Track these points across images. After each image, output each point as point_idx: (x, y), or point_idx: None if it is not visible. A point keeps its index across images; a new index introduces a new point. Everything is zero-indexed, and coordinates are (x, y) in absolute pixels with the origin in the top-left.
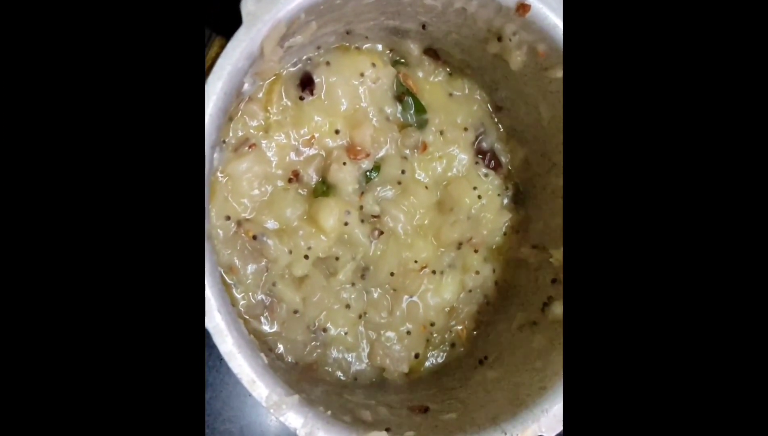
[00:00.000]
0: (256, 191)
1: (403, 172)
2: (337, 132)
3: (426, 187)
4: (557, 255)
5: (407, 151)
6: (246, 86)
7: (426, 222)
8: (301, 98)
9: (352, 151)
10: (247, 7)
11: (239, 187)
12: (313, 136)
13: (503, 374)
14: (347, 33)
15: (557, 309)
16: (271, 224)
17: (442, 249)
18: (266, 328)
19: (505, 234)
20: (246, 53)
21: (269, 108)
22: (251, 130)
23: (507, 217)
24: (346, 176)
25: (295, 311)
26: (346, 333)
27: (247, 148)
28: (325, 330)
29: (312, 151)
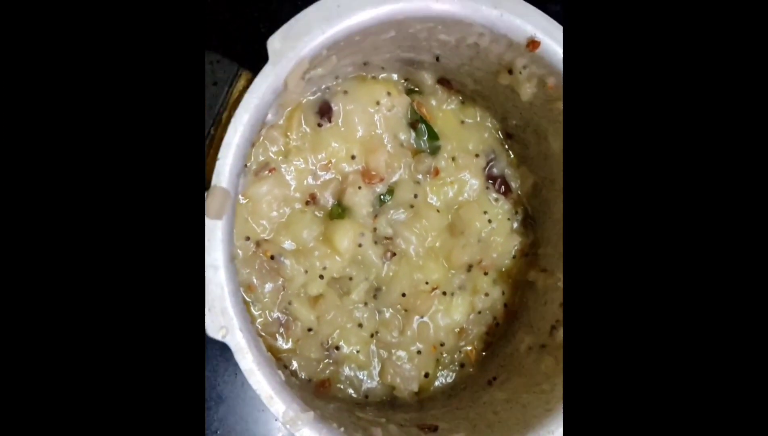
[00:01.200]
0: (275, 213)
1: (415, 196)
2: (353, 157)
3: (438, 211)
4: None
5: (420, 176)
6: (270, 116)
7: (437, 244)
8: (320, 125)
9: (367, 175)
10: (273, 45)
11: (259, 209)
12: (330, 161)
13: (511, 395)
14: (364, 64)
15: None
16: (288, 245)
17: (453, 271)
18: (281, 345)
19: (514, 257)
20: (272, 88)
21: (289, 134)
22: (271, 155)
23: (516, 241)
24: (360, 200)
25: (310, 329)
26: (358, 351)
27: (267, 172)
28: (338, 348)
29: (329, 176)
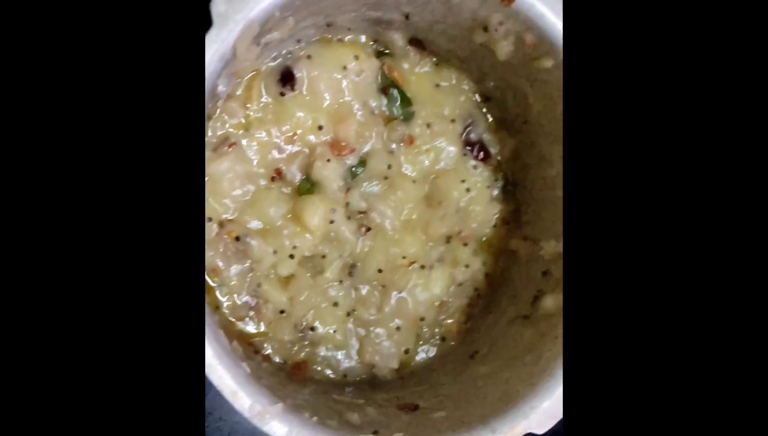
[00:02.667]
0: (238, 191)
1: (389, 166)
2: (320, 128)
3: (413, 181)
4: (548, 247)
5: (393, 145)
6: (221, 87)
7: (414, 217)
8: (282, 94)
9: (336, 147)
10: (217, 8)
11: (220, 187)
12: (295, 133)
13: (494, 369)
14: (328, 25)
15: (548, 303)
16: (254, 224)
17: (431, 243)
18: (252, 329)
19: (495, 226)
20: (218, 55)
21: (249, 105)
22: (231, 129)
23: (497, 209)
24: (330, 173)
25: (282, 311)
26: (334, 331)
27: (227, 147)
28: (313, 329)
29: (295, 149)
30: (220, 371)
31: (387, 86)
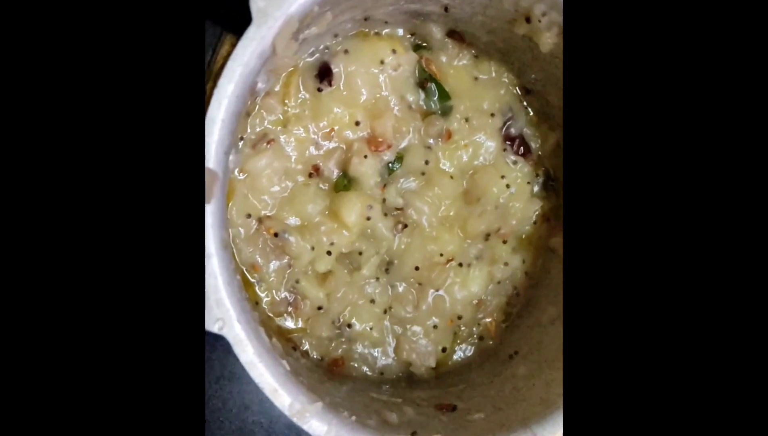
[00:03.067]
0: (276, 188)
1: (426, 162)
2: (357, 123)
3: (451, 177)
4: None
5: (431, 141)
6: (260, 85)
7: (452, 213)
8: (320, 90)
9: (373, 142)
10: (257, 4)
11: (259, 184)
12: (332, 129)
13: (534, 370)
14: (365, 19)
15: None
16: (292, 221)
17: (469, 241)
18: (290, 325)
19: (535, 223)
20: (257, 53)
21: (287, 101)
22: (269, 126)
23: (537, 205)
24: (367, 169)
25: (320, 308)
26: (371, 328)
27: (265, 144)
28: (350, 326)
29: (332, 145)
30: (261, 368)
31: (425, 80)
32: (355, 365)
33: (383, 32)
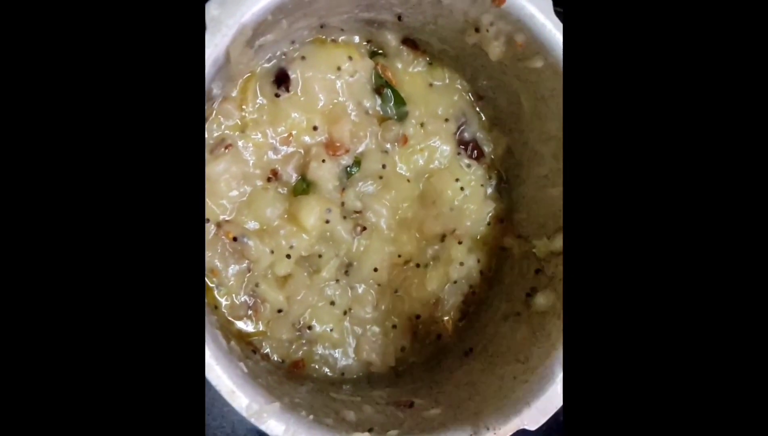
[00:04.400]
0: (235, 192)
1: (384, 166)
2: (315, 128)
3: (408, 181)
4: (540, 246)
5: (388, 145)
6: (215, 91)
7: (409, 215)
8: (277, 95)
9: (331, 147)
10: (210, 12)
11: (217, 188)
12: (290, 134)
13: (488, 365)
14: (321, 27)
15: (540, 300)
16: (251, 225)
17: (425, 242)
18: (251, 328)
19: (488, 224)
20: (211, 60)
21: (244, 107)
22: (227, 131)
23: (491, 207)
24: (325, 173)
25: (280, 311)
26: (331, 330)
27: (223, 149)
28: (310, 328)
29: (290, 149)
30: (218, 370)
31: (381, 86)
32: (316, 366)
33: (340, 39)
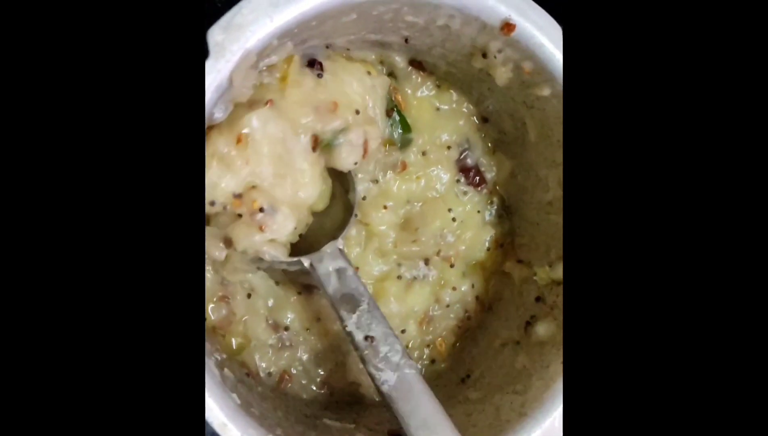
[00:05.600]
0: None
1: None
2: None
3: (384, 207)
4: (541, 273)
5: (380, 175)
6: (217, 115)
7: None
8: None
9: None
10: (214, 38)
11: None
12: None
13: (485, 394)
14: (327, 47)
15: (540, 330)
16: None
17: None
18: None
19: (488, 249)
20: (214, 85)
21: None
22: None
23: (490, 232)
24: None
25: (249, 295)
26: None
27: None
28: (287, 329)
29: None
30: (210, 402)
31: (390, 109)
32: (303, 381)
33: (353, 54)
